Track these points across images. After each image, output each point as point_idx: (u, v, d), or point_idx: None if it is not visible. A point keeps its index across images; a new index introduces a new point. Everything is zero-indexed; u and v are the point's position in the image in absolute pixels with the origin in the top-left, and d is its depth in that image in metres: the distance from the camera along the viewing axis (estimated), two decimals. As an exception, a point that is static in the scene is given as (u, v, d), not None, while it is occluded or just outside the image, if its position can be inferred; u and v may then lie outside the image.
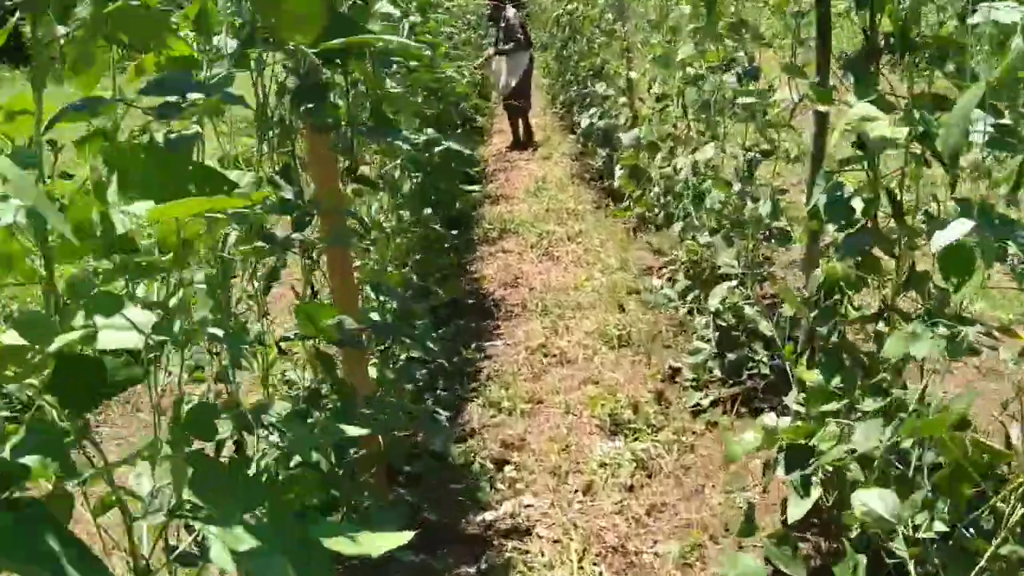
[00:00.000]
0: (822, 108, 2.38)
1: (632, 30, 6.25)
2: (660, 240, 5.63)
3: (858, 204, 2.13)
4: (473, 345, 4.37)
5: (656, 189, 4.94)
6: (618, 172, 5.73)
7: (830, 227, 2.26)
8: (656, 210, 5.09)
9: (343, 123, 2.29)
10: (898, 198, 2.13)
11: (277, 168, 2.06)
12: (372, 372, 2.72)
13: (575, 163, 8.76)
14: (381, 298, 2.60)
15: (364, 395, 2.43)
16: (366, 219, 3.03)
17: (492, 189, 8.20)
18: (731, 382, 3.51)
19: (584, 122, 7.56)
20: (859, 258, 2.21)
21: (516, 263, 5.77)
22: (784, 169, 4.67)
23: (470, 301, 5.03)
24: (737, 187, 3.73)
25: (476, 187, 5.54)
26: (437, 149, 4.24)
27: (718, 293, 3.48)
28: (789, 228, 3.89)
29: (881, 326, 2.20)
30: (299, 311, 2.02)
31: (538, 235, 6.22)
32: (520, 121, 10.05)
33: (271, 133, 2.02)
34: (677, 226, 4.28)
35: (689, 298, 4.22)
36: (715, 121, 3.92)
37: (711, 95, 3.87)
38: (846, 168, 2.34)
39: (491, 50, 9.74)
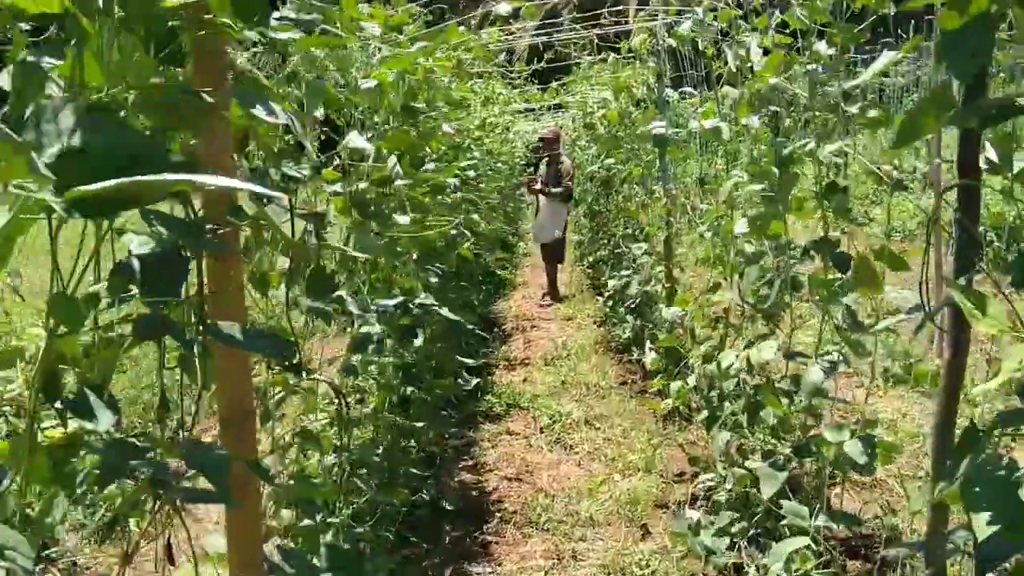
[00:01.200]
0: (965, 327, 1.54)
1: (675, 193, 5.54)
2: (697, 441, 4.72)
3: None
4: (451, 572, 3.42)
5: (696, 382, 4.06)
6: (651, 354, 4.88)
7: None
8: (695, 408, 4.20)
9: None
10: None
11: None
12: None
13: (600, 328, 7.94)
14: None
15: None
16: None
17: (507, 351, 7.37)
18: None
19: (612, 283, 6.78)
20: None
21: (523, 451, 4.85)
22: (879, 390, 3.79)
23: (461, 503, 4.09)
24: (802, 400, 2.87)
25: (472, 362, 4.71)
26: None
27: (781, 552, 2.53)
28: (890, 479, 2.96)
29: None
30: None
31: (551, 416, 5.32)
32: (551, 272, 9.48)
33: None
34: (721, 437, 3.38)
35: (735, 531, 3.26)
36: (779, 314, 3.09)
37: (776, 277, 3.05)
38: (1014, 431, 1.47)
39: (538, 184, 9.29)
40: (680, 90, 4.73)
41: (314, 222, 1.77)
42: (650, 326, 5.84)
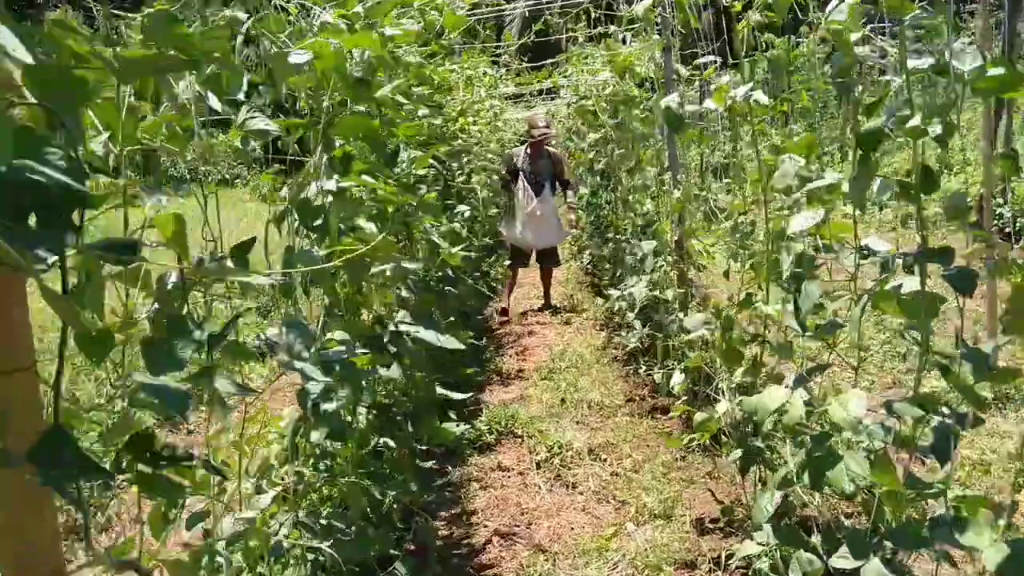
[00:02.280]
0: None
1: (688, 184, 4.79)
2: (722, 473, 3.98)
3: None
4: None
5: (726, 413, 3.31)
6: (677, 376, 4.13)
7: None
8: (724, 441, 3.46)
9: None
10: None
11: None
12: None
13: (601, 333, 7.19)
14: None
15: None
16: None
17: (501, 363, 6.61)
18: None
19: (615, 292, 6.02)
20: None
21: (517, 493, 4.10)
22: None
23: (440, 568, 3.34)
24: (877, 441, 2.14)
25: (459, 396, 3.93)
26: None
27: None
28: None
29: None
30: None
31: (550, 447, 4.55)
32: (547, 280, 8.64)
33: None
34: (768, 500, 2.64)
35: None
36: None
37: (850, 296, 2.30)
38: None
39: (568, 204, 8.49)
40: (696, 62, 3.95)
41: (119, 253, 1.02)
42: (660, 336, 5.09)
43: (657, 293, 5.11)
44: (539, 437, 4.75)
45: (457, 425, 3.75)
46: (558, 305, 8.51)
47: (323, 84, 2.48)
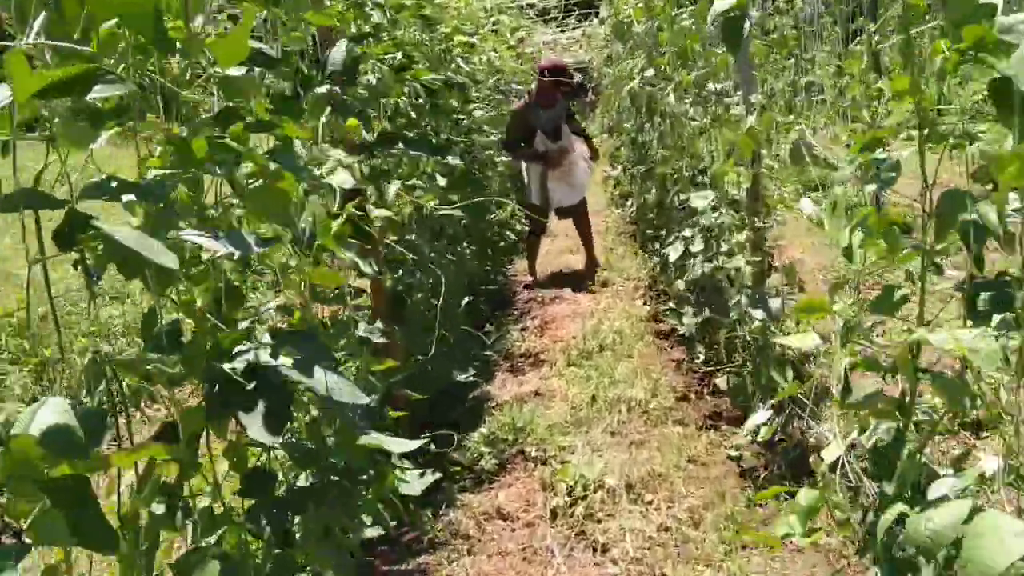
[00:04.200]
0: None
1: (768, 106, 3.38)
2: (839, 553, 2.70)
3: None
4: None
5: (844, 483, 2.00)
6: (759, 417, 2.82)
7: None
8: (857, 545, 2.17)
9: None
10: None
11: None
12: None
13: (643, 300, 5.86)
14: None
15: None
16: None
17: (515, 341, 5.33)
18: None
19: (671, 255, 4.63)
20: None
21: (519, 562, 2.85)
22: None
23: None
24: None
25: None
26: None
27: None
28: None
29: None
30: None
31: (571, 485, 3.27)
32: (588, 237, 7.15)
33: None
34: None
35: None
36: None
37: None
38: None
39: (540, 146, 6.68)
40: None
41: None
42: (726, 321, 3.75)
43: (719, 264, 3.77)
44: (558, 461, 3.49)
45: (422, 474, 2.49)
46: (599, 266, 7.02)
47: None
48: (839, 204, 1.78)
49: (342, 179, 1.80)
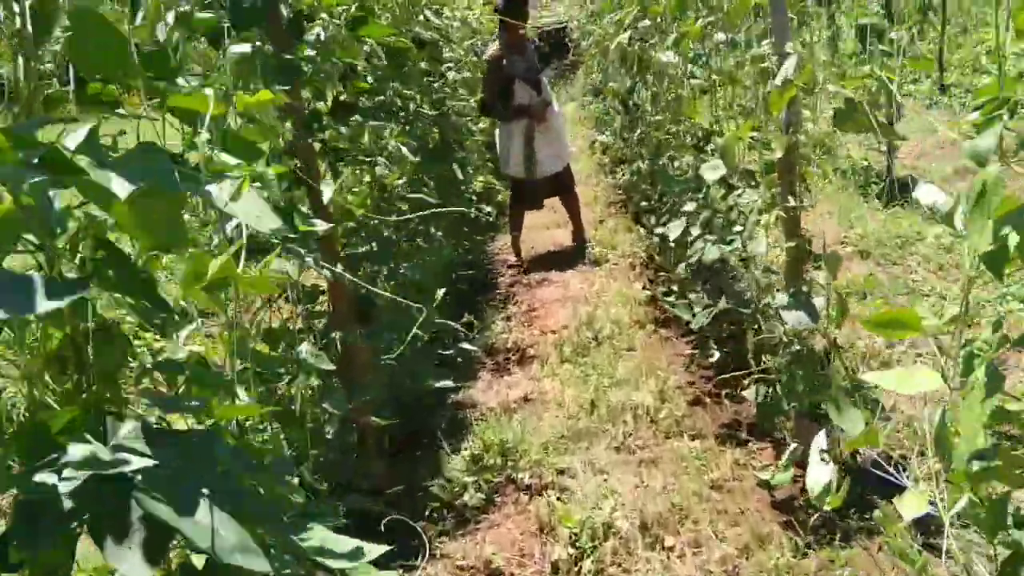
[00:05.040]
0: None
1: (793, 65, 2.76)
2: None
3: None
4: None
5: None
6: (819, 476, 2.22)
7: None
8: None
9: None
10: None
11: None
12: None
13: (641, 281, 5.27)
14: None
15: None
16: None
17: (500, 332, 4.73)
18: None
19: (671, 232, 4.04)
20: None
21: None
22: None
23: None
24: None
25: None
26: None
27: None
28: None
29: None
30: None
31: (578, 529, 2.68)
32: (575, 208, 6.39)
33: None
34: None
35: None
36: None
37: None
38: None
39: (523, 98, 5.81)
40: None
41: None
42: (746, 314, 3.16)
43: (736, 246, 3.18)
44: (556, 490, 2.91)
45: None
46: (589, 241, 6.31)
47: None
48: (990, 192, 1.18)
49: (250, 212, 1.14)
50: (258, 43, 2.25)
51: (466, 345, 4.12)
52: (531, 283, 5.58)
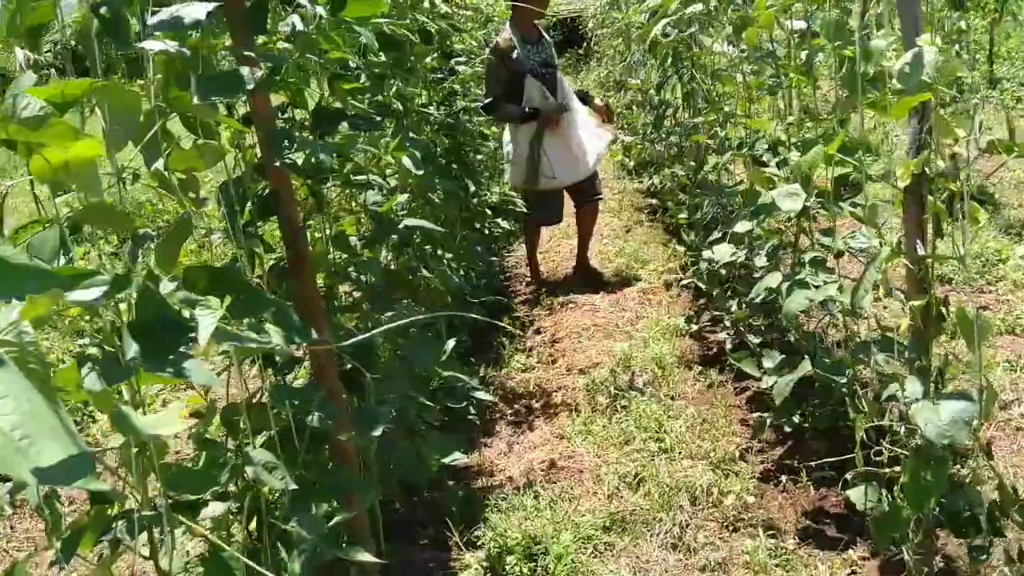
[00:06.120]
0: None
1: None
2: None
3: None
4: None
5: None
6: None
7: None
8: None
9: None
10: None
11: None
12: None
13: (680, 305, 4.58)
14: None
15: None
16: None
17: (518, 368, 4.05)
18: None
19: (717, 255, 3.38)
20: None
21: None
22: None
23: None
24: None
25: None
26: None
27: None
28: None
29: None
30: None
31: None
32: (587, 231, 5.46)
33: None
34: None
35: None
36: None
37: None
38: None
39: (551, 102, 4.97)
40: None
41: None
42: (851, 392, 2.46)
43: (830, 294, 2.49)
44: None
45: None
46: (599, 270, 5.39)
47: None
48: None
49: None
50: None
51: (480, 395, 3.43)
52: (553, 306, 4.88)
